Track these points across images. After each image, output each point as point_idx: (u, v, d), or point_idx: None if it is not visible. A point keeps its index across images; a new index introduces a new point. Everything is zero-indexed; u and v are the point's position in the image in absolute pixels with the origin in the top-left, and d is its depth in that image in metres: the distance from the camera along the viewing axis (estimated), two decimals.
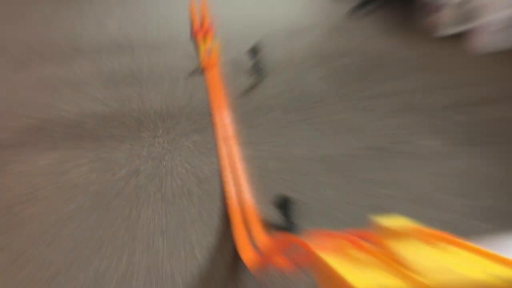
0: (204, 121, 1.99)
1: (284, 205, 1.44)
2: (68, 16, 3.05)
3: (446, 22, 2.55)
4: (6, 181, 1.69)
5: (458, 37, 2.63)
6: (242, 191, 1.59)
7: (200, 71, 2.41)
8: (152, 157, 1.78)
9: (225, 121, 1.97)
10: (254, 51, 2.26)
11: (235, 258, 1.37)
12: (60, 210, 1.55)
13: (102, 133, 1.92)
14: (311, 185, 1.63)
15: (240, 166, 1.71)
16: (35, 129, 1.97)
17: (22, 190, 1.64)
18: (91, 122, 2.00)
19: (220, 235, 1.45)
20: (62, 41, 2.72)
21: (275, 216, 1.49)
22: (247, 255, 1.31)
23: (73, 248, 1.42)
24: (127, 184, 1.65)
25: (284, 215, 1.45)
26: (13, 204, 1.59)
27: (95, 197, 1.59)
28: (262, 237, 1.40)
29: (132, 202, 1.57)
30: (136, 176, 1.68)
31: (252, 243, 1.39)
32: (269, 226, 1.47)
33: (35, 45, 2.66)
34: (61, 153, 1.82)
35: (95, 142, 1.87)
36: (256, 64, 2.30)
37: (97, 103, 2.13)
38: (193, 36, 2.75)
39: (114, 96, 2.19)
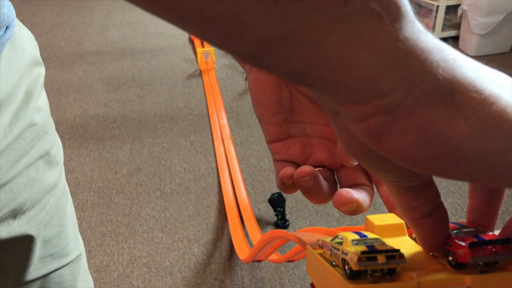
0: (201, 122, 2.03)
1: (277, 202, 1.48)
2: (71, 23, 3.10)
3: (437, 25, 2.60)
4: None
5: (449, 41, 2.66)
6: (237, 188, 1.63)
7: (197, 74, 2.44)
8: (152, 156, 1.83)
9: (221, 122, 2.02)
10: None
11: (231, 252, 1.41)
12: None
13: (105, 134, 1.96)
14: None
15: (235, 165, 1.76)
16: None
17: None
18: (94, 123, 2.04)
19: (216, 230, 1.50)
20: (66, 46, 2.76)
21: (269, 212, 1.55)
22: (242, 250, 1.34)
23: None
24: (128, 182, 1.70)
25: (278, 212, 1.49)
26: None
27: (97, 194, 1.65)
28: (256, 233, 1.45)
29: (133, 199, 1.62)
30: (136, 175, 1.73)
31: (247, 238, 1.44)
32: (263, 223, 1.53)
33: (41, 50, 2.69)
34: (65, 152, 1.85)
35: (98, 142, 1.91)
36: None
37: (99, 105, 2.17)
38: (191, 40, 2.80)
39: (116, 98, 2.23)
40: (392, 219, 0.26)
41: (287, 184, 0.29)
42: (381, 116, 0.17)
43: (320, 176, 0.28)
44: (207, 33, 0.16)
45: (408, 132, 0.17)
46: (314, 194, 0.28)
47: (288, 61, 0.16)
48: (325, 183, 0.28)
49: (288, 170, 0.29)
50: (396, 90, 0.16)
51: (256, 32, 0.15)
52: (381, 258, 0.20)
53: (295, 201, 1.58)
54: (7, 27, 0.40)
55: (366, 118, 0.17)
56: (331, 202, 0.28)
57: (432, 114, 0.16)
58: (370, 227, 0.26)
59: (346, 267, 0.21)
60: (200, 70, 2.45)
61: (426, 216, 0.21)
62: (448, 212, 1.37)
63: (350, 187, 0.29)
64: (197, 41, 2.72)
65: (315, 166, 0.30)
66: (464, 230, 0.22)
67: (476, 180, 0.18)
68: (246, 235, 1.44)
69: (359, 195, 0.27)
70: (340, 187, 0.30)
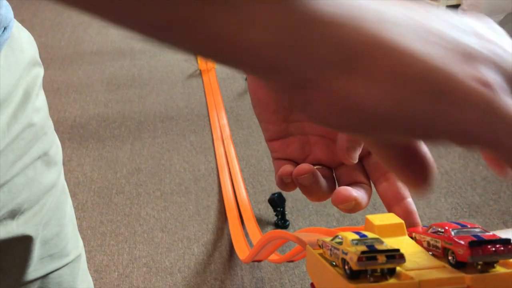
0: (201, 122, 2.03)
1: (277, 202, 1.48)
2: (71, 23, 3.10)
3: None
4: None
5: None
6: (237, 188, 1.64)
7: (197, 74, 2.44)
8: (152, 156, 1.83)
9: (221, 122, 2.02)
10: None
11: (231, 252, 1.41)
12: None
13: (105, 134, 1.96)
14: None
15: (235, 165, 1.76)
16: None
17: None
18: (94, 123, 2.04)
19: (216, 230, 1.50)
20: (66, 46, 2.76)
21: (269, 212, 1.55)
22: (242, 250, 1.35)
23: None
24: (128, 182, 1.70)
25: (278, 212, 1.49)
26: None
27: (97, 194, 1.65)
28: (256, 233, 1.45)
29: (133, 199, 1.62)
30: (136, 175, 1.73)
31: (247, 238, 1.44)
32: (263, 223, 1.53)
33: (41, 50, 2.68)
34: (65, 152, 1.85)
35: (98, 142, 1.92)
36: None
37: (99, 105, 2.17)
38: None
39: (116, 98, 2.23)
40: (392, 219, 0.26)
41: (286, 182, 0.29)
42: (295, 90, 0.17)
43: (319, 174, 0.28)
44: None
45: (323, 104, 0.17)
46: (313, 191, 0.28)
47: (190, 44, 0.17)
48: (324, 181, 0.29)
49: (287, 168, 0.29)
50: (296, 66, 0.16)
51: (149, 17, 0.16)
52: (381, 258, 0.20)
53: (295, 201, 1.58)
54: (5, 28, 0.40)
55: (284, 92, 0.17)
56: (330, 202, 0.28)
57: (340, 86, 0.16)
58: (370, 227, 0.26)
59: (346, 267, 0.21)
60: (200, 70, 2.44)
61: (408, 164, 0.20)
62: (448, 212, 1.36)
63: (348, 185, 0.29)
64: None
65: (314, 164, 0.30)
66: (465, 229, 0.22)
67: (408, 137, 0.18)
68: (246, 235, 1.44)
69: (358, 193, 0.27)
70: (339, 185, 0.30)
